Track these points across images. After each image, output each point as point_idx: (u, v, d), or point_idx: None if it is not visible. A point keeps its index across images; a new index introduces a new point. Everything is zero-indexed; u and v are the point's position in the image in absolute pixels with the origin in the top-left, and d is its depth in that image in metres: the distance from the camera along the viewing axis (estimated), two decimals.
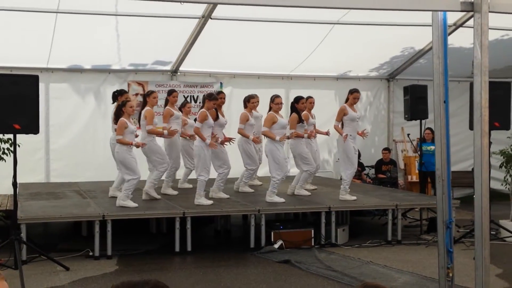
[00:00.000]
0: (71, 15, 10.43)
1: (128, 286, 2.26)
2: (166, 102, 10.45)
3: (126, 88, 12.52)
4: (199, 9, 10.58)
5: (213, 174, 9.90)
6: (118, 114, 9.21)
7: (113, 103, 10.41)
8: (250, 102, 10.43)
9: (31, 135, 8.04)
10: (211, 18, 10.76)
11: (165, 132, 9.81)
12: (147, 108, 9.71)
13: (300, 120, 10.16)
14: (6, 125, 7.55)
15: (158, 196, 9.81)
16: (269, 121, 9.65)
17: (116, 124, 9.21)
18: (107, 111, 12.43)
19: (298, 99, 10.30)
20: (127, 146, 8.97)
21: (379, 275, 7.61)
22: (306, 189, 10.54)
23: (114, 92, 10.55)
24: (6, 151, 8.81)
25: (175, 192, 10.45)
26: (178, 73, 13.11)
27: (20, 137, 7.96)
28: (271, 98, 9.88)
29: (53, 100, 12.32)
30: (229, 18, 10.91)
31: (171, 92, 10.54)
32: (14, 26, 10.59)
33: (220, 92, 10.75)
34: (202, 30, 11.10)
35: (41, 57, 11.70)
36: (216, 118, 9.82)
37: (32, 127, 7.69)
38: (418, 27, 11.27)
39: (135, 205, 9.05)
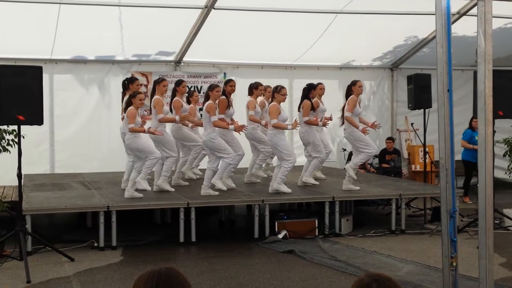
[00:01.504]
0: (74, 6, 10.46)
1: (145, 280, 2.36)
2: (174, 92, 10.17)
3: None
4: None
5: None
6: (129, 104, 9.07)
7: (123, 91, 10.22)
8: (258, 89, 10.28)
9: (35, 126, 8.06)
10: (214, 8, 10.75)
11: (177, 118, 9.57)
12: (156, 96, 9.51)
13: (312, 108, 10.10)
14: (10, 117, 7.55)
15: (172, 189, 9.69)
16: (276, 113, 9.40)
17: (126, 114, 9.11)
18: (111, 102, 12.48)
19: (312, 86, 10.19)
20: (138, 133, 8.91)
21: (383, 265, 7.62)
22: (315, 178, 10.48)
23: (124, 81, 10.35)
24: (10, 142, 8.83)
25: (186, 183, 10.41)
26: (182, 64, 13.11)
27: (25, 129, 7.96)
28: (276, 88, 9.60)
29: (57, 91, 12.34)
30: (232, 8, 10.91)
31: (180, 83, 10.24)
32: (18, 18, 10.61)
33: (230, 80, 10.38)
34: (205, 20, 11.09)
35: (45, 48, 11.72)
36: (227, 107, 9.68)
37: (36, 119, 7.70)
38: (421, 15, 11.25)
39: (140, 195, 9.06)
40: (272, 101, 9.62)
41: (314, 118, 10.21)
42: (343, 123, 9.96)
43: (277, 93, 9.54)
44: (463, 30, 11.87)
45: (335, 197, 9.45)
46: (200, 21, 11.16)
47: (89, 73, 12.61)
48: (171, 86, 10.46)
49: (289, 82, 13.20)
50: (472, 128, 11.93)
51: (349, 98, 9.79)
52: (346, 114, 9.74)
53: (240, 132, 9.85)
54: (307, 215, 9.76)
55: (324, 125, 10.35)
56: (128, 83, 10.05)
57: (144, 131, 9.01)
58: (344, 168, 10.51)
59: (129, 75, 12.54)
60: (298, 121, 9.81)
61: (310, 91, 10.17)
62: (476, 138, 11.63)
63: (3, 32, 10.94)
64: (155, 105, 9.44)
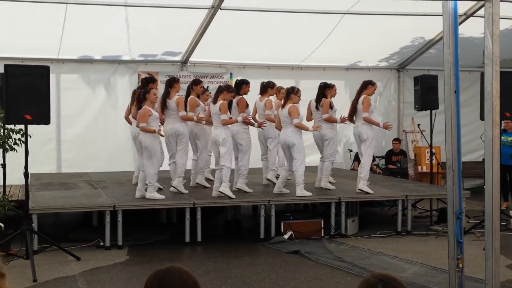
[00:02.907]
0: (81, 6, 10.47)
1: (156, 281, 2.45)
2: (189, 91, 10.14)
3: (136, 79, 12.56)
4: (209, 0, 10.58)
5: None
6: (140, 101, 9.00)
7: (138, 89, 10.21)
8: (273, 88, 10.30)
9: (42, 126, 8.09)
10: (220, 9, 10.74)
11: (195, 117, 9.70)
12: (178, 96, 9.72)
13: (330, 106, 10.08)
14: (17, 116, 7.59)
15: (186, 191, 9.60)
16: (297, 113, 9.41)
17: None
18: (118, 102, 12.51)
19: (329, 86, 10.15)
20: (151, 133, 8.90)
21: (389, 266, 7.61)
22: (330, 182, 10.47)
23: (143, 79, 10.38)
24: (17, 141, 8.86)
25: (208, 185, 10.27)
26: (188, 64, 13.12)
27: (32, 128, 7.99)
28: (293, 90, 9.53)
29: (64, 90, 12.37)
30: (238, 8, 10.90)
31: (198, 82, 10.20)
32: (25, 17, 10.63)
33: (248, 82, 10.26)
34: (211, 20, 11.09)
35: (52, 48, 11.75)
36: (247, 106, 9.85)
37: (43, 118, 7.73)
38: (428, 16, 11.21)
39: (162, 197, 9.02)
40: (286, 102, 9.49)
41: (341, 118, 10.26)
42: (351, 120, 9.96)
43: (294, 94, 9.50)
44: (470, 31, 11.83)
45: (341, 198, 9.44)
46: (206, 22, 11.16)
47: (95, 73, 12.63)
48: (184, 86, 10.52)
49: (296, 82, 13.16)
50: (503, 130, 11.56)
51: (362, 98, 9.77)
52: (364, 114, 9.72)
53: (263, 127, 10.01)
54: (313, 215, 9.77)
55: (343, 121, 10.22)
56: (148, 82, 9.91)
57: (154, 131, 8.98)
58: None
59: (135, 75, 12.62)
60: (315, 119, 9.87)
61: (326, 89, 10.14)
62: (508, 139, 11.51)
63: (10, 31, 10.97)
64: (177, 103, 9.52)
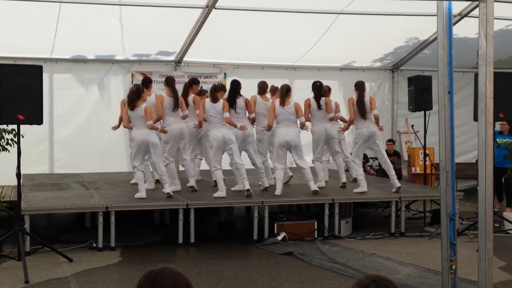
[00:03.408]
0: (75, 5, 10.43)
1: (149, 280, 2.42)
2: (186, 90, 10.30)
3: (130, 79, 12.53)
4: None
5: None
6: (133, 101, 8.99)
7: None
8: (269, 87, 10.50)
9: (35, 126, 8.04)
10: (215, 8, 10.72)
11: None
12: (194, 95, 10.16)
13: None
14: (10, 116, 7.54)
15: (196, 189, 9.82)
16: (302, 110, 9.57)
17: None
18: (111, 102, 12.47)
19: (322, 85, 10.25)
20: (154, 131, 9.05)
21: (382, 267, 7.60)
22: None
23: (142, 79, 10.56)
24: (10, 141, 8.81)
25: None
26: (182, 64, 13.08)
27: (24, 128, 7.95)
28: (289, 87, 9.79)
29: (57, 90, 12.31)
30: (233, 8, 10.87)
31: (197, 82, 10.63)
32: (18, 16, 10.59)
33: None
34: (206, 20, 11.06)
35: (45, 48, 11.70)
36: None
37: (36, 118, 7.69)
38: (422, 17, 11.21)
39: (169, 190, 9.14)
40: (286, 99, 9.49)
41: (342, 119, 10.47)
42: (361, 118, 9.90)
43: (290, 91, 9.67)
44: (464, 31, 11.84)
45: (335, 199, 9.43)
46: (200, 21, 11.13)
47: (89, 73, 12.58)
48: (178, 86, 10.55)
49: (290, 82, 13.13)
50: (500, 131, 11.54)
51: (369, 97, 9.89)
52: (375, 112, 9.81)
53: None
54: (306, 217, 9.74)
55: (340, 120, 10.49)
56: (148, 82, 10.16)
57: (158, 129, 9.13)
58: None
59: (129, 75, 12.59)
60: (317, 118, 10.00)
61: (324, 90, 10.21)
62: (503, 141, 11.52)
63: (3, 31, 10.91)
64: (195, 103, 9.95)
